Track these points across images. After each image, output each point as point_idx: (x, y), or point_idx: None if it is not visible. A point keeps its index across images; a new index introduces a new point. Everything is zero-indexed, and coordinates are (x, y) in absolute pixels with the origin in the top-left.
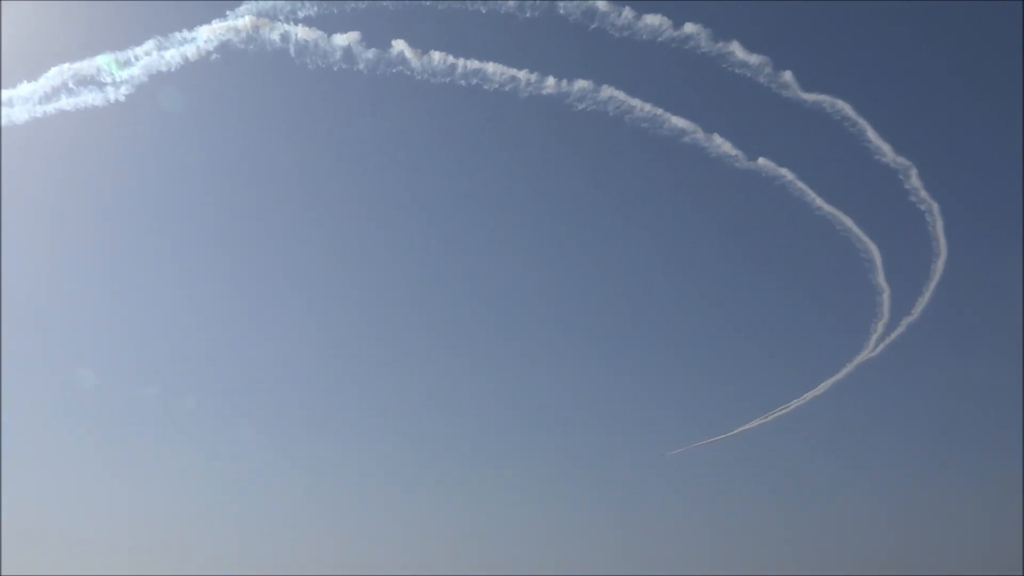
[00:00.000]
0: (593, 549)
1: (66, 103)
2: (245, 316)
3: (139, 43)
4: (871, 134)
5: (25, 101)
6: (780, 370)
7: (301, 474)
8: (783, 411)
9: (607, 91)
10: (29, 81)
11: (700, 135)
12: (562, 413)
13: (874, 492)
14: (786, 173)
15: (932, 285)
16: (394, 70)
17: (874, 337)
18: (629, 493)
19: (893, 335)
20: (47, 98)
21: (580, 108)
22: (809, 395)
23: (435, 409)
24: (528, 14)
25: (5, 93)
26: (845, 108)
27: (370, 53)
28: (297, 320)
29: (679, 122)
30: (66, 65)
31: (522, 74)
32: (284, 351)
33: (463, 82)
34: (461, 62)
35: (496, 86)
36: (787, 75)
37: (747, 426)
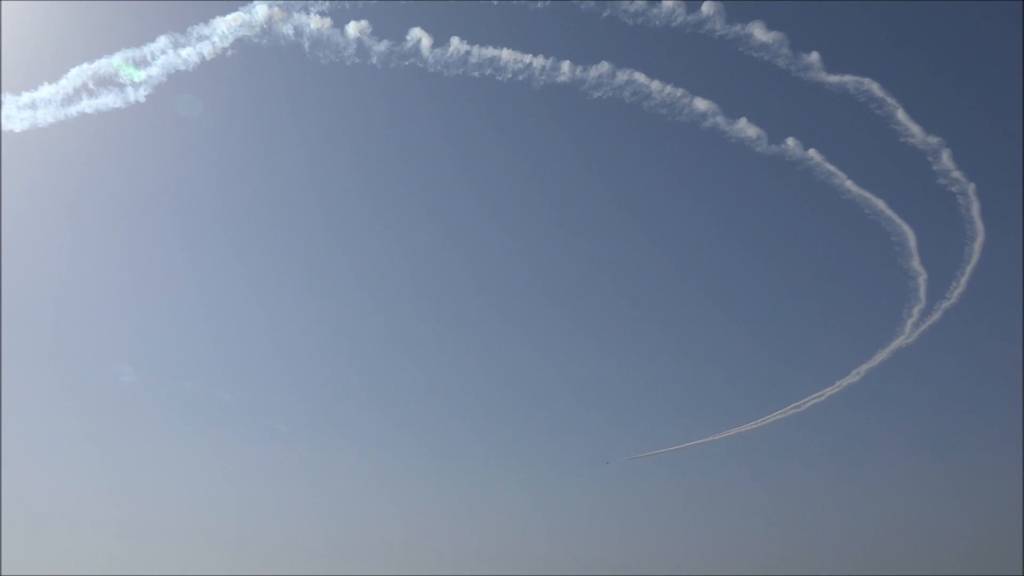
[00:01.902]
0: (599, 545)
1: (87, 105)
2: (276, 311)
3: (154, 39)
4: (900, 114)
5: (48, 103)
6: (802, 362)
7: (332, 467)
8: (816, 399)
9: (624, 75)
10: (50, 83)
11: (721, 119)
12: (579, 408)
13: (874, 492)
14: (813, 155)
15: (969, 269)
16: (407, 63)
17: (910, 322)
18: (637, 490)
19: (930, 321)
20: (69, 100)
21: (596, 96)
22: (844, 382)
23: (457, 408)
24: (540, 4)
25: (27, 96)
26: (872, 87)
27: (382, 46)
28: (324, 314)
29: (700, 104)
30: (86, 65)
31: (537, 61)
32: (316, 346)
33: (476, 73)
34: (475, 49)
35: (510, 75)
36: (813, 56)
37: (754, 424)
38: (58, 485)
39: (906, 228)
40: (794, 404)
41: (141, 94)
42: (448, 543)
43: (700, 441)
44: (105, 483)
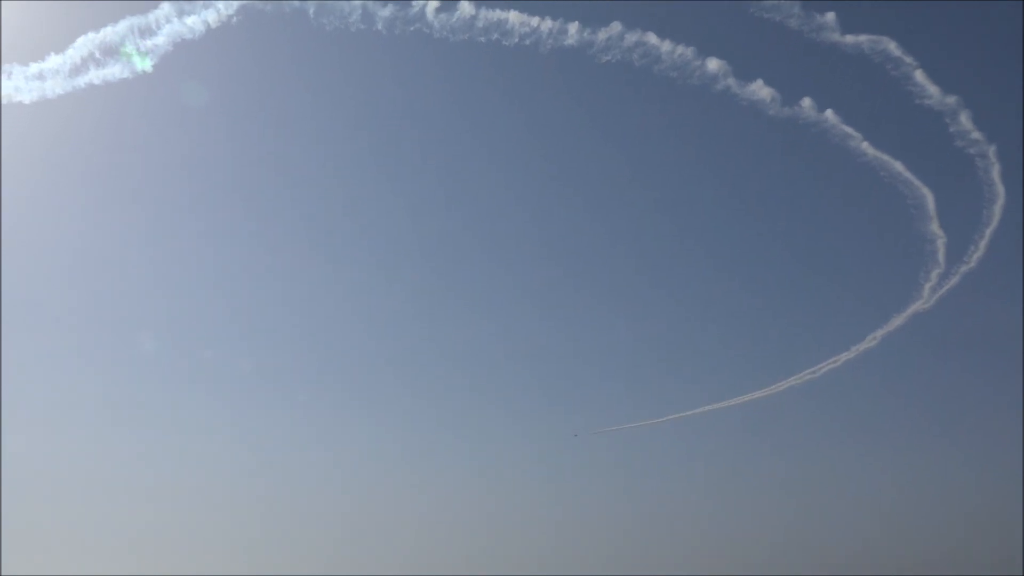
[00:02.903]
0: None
1: (95, 76)
2: (293, 279)
3: (158, 5)
4: (919, 75)
5: (55, 74)
6: (818, 328)
7: (355, 435)
8: (833, 364)
9: (633, 36)
10: (56, 53)
11: (733, 80)
12: (590, 375)
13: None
14: (829, 116)
15: (989, 232)
16: (412, 28)
17: (928, 287)
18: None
19: (948, 285)
20: (76, 70)
21: (605, 60)
22: (861, 347)
23: (472, 373)
24: None
25: (35, 66)
26: (890, 47)
27: (387, 11)
28: (339, 281)
29: (712, 65)
30: (92, 34)
31: (544, 24)
32: (334, 313)
33: (483, 38)
34: (482, 12)
35: (517, 40)
36: (828, 16)
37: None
38: (74, 458)
39: (925, 191)
40: (810, 370)
41: (148, 64)
42: (461, 507)
43: (690, 413)
44: (123, 453)
